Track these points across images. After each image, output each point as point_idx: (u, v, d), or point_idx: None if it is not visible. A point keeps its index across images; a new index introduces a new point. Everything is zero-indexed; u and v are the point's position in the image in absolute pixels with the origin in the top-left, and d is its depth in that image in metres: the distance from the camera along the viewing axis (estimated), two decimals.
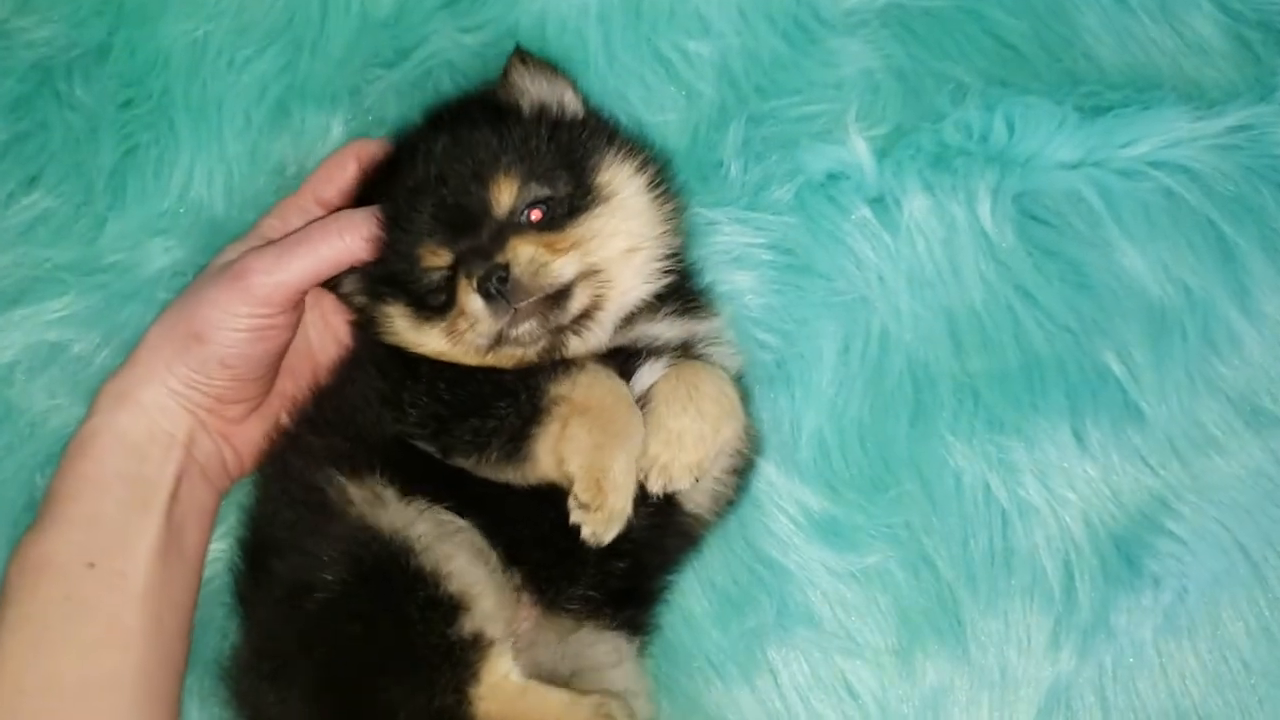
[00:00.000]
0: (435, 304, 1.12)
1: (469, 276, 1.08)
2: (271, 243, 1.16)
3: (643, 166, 1.17)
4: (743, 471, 1.20)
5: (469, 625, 1.02)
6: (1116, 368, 1.23)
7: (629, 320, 1.15)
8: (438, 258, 1.11)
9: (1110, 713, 1.21)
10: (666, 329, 1.16)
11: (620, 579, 1.14)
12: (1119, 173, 1.26)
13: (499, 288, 1.06)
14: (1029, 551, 1.22)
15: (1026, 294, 1.25)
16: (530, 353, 1.11)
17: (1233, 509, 1.22)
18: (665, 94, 1.33)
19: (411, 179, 1.13)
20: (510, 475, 1.09)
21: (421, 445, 1.10)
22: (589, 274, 1.11)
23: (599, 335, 1.13)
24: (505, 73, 1.19)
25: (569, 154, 1.14)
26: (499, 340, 1.09)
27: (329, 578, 1.04)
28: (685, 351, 1.16)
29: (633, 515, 1.06)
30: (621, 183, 1.15)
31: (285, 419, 1.20)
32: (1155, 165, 1.26)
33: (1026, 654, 1.21)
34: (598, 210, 1.13)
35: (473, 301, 1.07)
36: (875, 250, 1.27)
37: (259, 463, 1.21)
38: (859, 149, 1.28)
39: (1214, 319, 1.23)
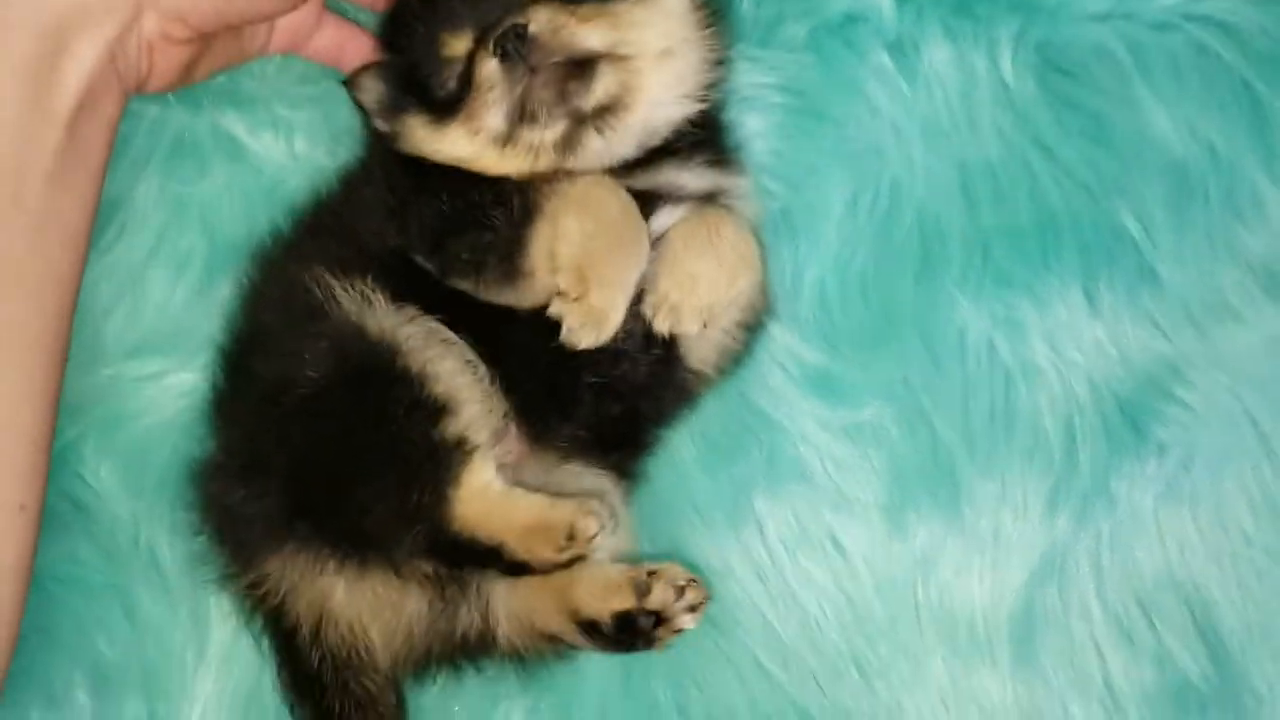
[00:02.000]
0: (453, 97, 1.07)
1: (486, 44, 1.02)
2: None
3: None
4: (751, 328, 1.16)
5: (452, 428, 1.01)
6: (1134, 228, 1.19)
7: (655, 161, 1.10)
8: (458, 43, 1.06)
9: (1104, 581, 1.19)
10: (694, 178, 1.12)
11: (613, 424, 1.12)
12: (1151, 25, 1.22)
13: (515, 44, 1.00)
14: (1031, 413, 1.19)
15: (1044, 148, 1.21)
16: (548, 140, 1.05)
17: (1246, 379, 1.19)
18: None
19: None
20: (510, 297, 1.07)
21: (422, 262, 1.08)
22: (616, 58, 1.05)
23: (624, 141, 1.07)
24: None
25: None
26: (519, 117, 1.03)
27: (311, 374, 1.02)
28: (708, 202, 1.12)
29: (636, 359, 1.05)
30: None
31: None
32: (1189, 18, 1.21)
33: (1022, 518, 1.19)
34: (629, 1, 1.07)
35: (486, 65, 1.02)
36: (891, 98, 1.23)
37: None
38: None
39: (1239, 183, 1.19)
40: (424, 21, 1.08)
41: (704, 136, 1.13)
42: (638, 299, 1.06)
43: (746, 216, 1.15)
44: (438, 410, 1.01)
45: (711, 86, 1.13)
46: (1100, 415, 1.19)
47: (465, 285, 1.08)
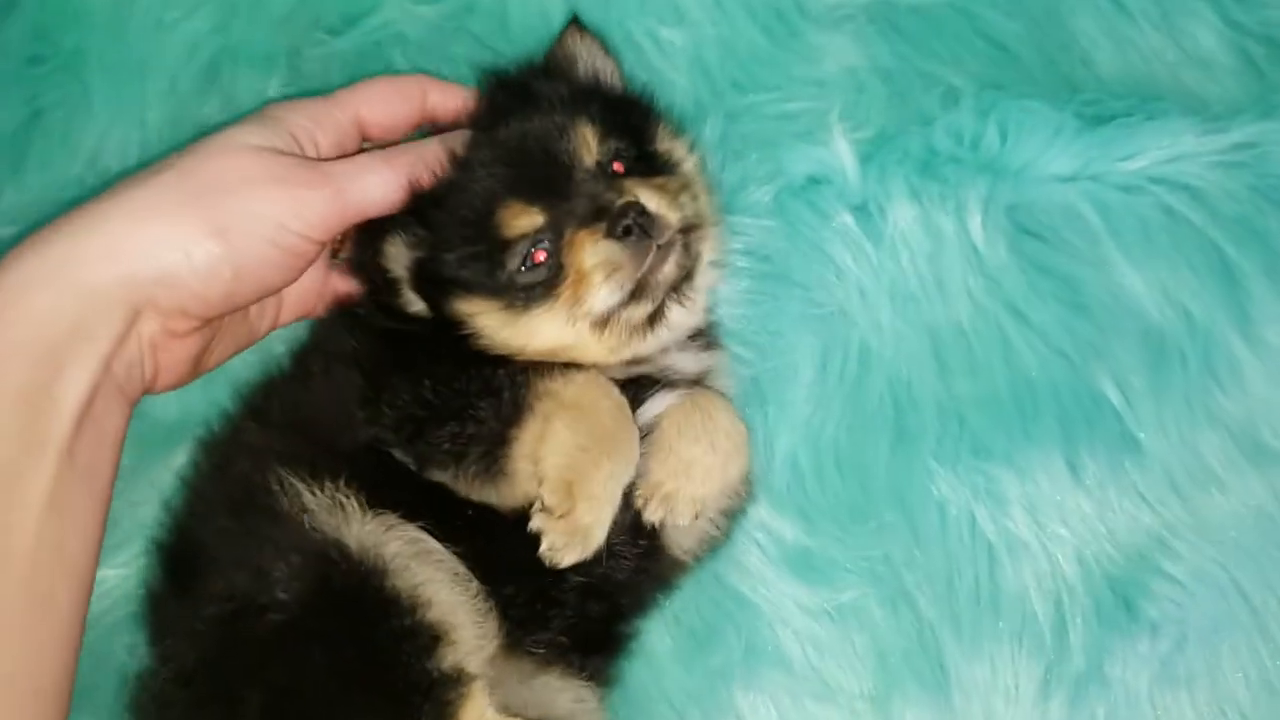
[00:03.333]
0: (532, 282, 1.01)
1: (588, 224, 1.00)
2: (365, 151, 1.05)
3: (692, 147, 1.13)
4: (734, 515, 1.11)
5: (449, 659, 0.92)
6: (1113, 395, 1.16)
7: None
8: (526, 218, 1.01)
9: None
10: (690, 361, 1.10)
11: (593, 624, 1.05)
12: (1118, 187, 1.20)
13: (640, 220, 0.98)
14: (1018, 591, 1.14)
15: (1017, 312, 1.18)
16: (639, 316, 1.03)
17: (1233, 550, 1.14)
18: (635, 83, 1.24)
19: (478, 135, 1.05)
20: (489, 494, 0.99)
21: (397, 455, 1.00)
22: (689, 227, 1.05)
23: (696, 307, 1.08)
24: (560, 40, 1.14)
25: (625, 121, 1.09)
26: (635, 293, 1.01)
27: (284, 597, 0.93)
28: (697, 383, 1.09)
29: (621, 554, 0.99)
30: (682, 154, 1.12)
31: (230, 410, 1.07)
32: (1156, 181, 1.20)
33: (1014, 703, 1.13)
34: (669, 170, 1.09)
35: (601, 251, 0.99)
36: (857, 260, 1.20)
37: (176, 381, 1.05)
38: (842, 151, 1.21)
39: (1215, 347, 1.17)
40: (474, 195, 1.02)
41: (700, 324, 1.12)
42: (627, 489, 1.00)
43: (730, 396, 1.11)
44: (433, 639, 0.92)
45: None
46: (1090, 592, 1.14)
47: (443, 477, 1.00)
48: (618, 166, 1.04)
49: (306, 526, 0.94)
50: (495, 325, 1.03)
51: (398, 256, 1.05)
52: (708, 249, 1.08)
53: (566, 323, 1.01)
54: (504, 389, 0.98)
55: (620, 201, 0.98)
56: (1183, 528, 1.14)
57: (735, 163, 1.22)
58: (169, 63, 1.21)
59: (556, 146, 1.02)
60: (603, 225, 0.98)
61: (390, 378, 1.00)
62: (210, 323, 1.03)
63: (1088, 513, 1.15)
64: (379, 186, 1.01)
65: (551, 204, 1.01)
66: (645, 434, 1.02)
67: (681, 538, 1.06)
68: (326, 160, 1.02)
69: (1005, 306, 1.18)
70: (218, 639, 0.94)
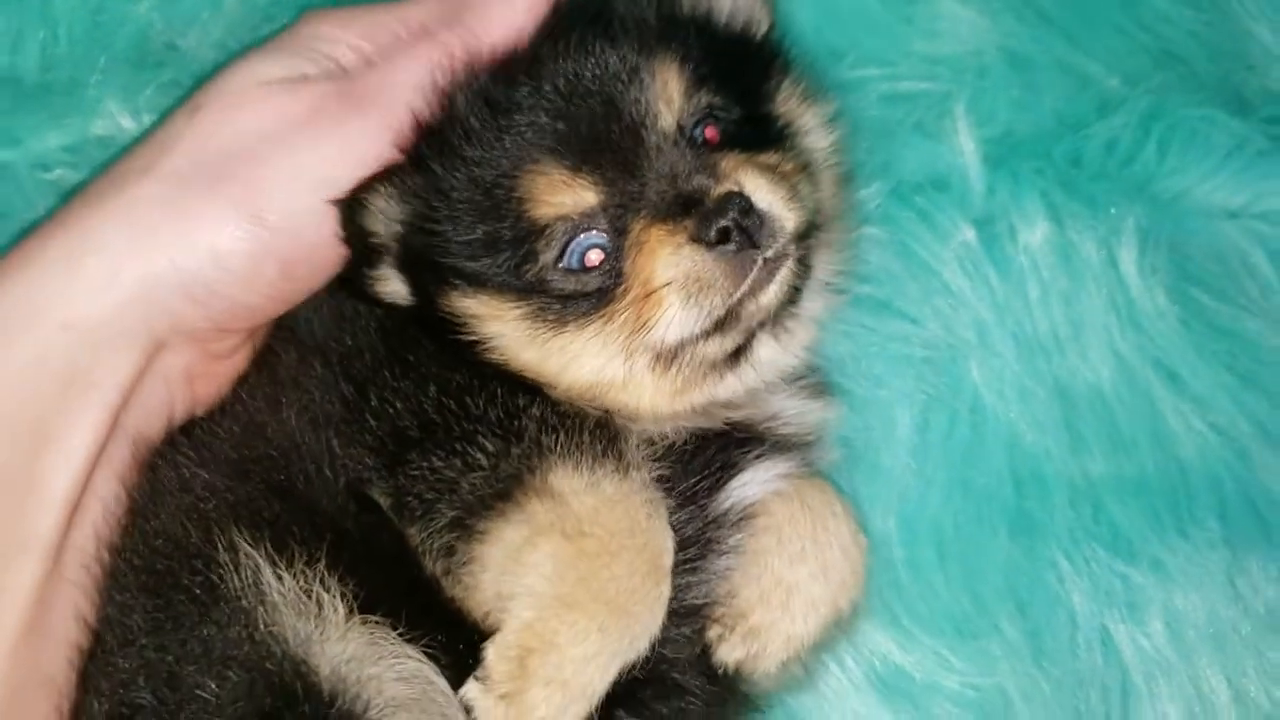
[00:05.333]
0: (575, 290, 0.74)
1: (669, 226, 0.71)
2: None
3: (831, 118, 0.86)
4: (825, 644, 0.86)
5: None
6: None
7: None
8: (568, 193, 0.73)
9: None
10: (798, 409, 0.84)
11: None
12: None
13: (744, 221, 0.70)
14: None
15: (1174, 377, 0.98)
16: (716, 354, 0.76)
17: None
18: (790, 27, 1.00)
19: (522, 60, 0.76)
20: (450, 583, 0.72)
21: (375, 493, 0.72)
22: (807, 231, 0.77)
23: (790, 347, 0.81)
24: None
25: (732, 69, 0.81)
26: (723, 322, 0.74)
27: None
28: (804, 450, 0.84)
29: (687, 697, 0.75)
30: (811, 123, 0.84)
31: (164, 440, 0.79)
32: None
33: None
34: (788, 145, 0.81)
35: (686, 260, 0.71)
36: (975, 290, 0.98)
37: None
38: (965, 150, 0.99)
39: None
40: (498, 150, 0.74)
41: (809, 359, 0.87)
42: (697, 609, 0.75)
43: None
44: None
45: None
46: None
47: (412, 530, 0.72)
48: (710, 133, 0.77)
49: (260, 625, 0.65)
50: (514, 340, 0.76)
51: (384, 215, 0.77)
52: (825, 262, 0.81)
53: (619, 354, 0.74)
54: (510, 442, 0.71)
55: (718, 190, 0.71)
56: None
57: None
58: None
59: (623, 94, 0.74)
60: (688, 223, 0.70)
61: (386, 375, 0.74)
62: (254, 333, 0.80)
63: (1249, 639, 0.94)
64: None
65: (610, 178, 0.73)
66: (734, 520, 0.77)
67: (763, 679, 0.81)
68: (364, 74, 0.76)
69: (1158, 369, 0.98)
70: None
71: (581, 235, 0.73)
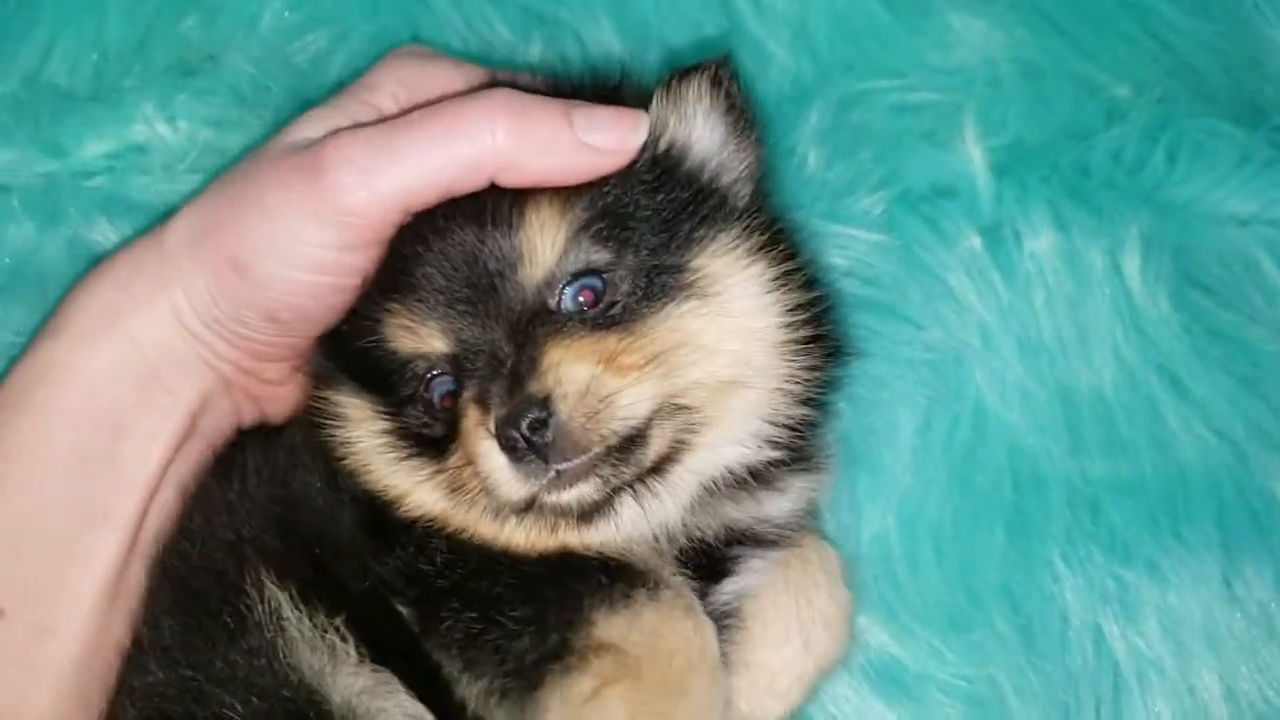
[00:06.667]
0: (422, 429, 0.76)
1: (481, 407, 0.70)
2: (364, 125, 0.77)
3: (783, 278, 0.78)
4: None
5: None
6: None
7: (724, 491, 0.79)
8: (419, 340, 0.74)
9: None
10: (778, 502, 0.82)
11: None
12: None
13: (533, 440, 0.68)
14: None
15: (1175, 382, 0.99)
16: (569, 507, 0.74)
17: None
18: (724, 48, 1.01)
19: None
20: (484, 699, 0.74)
21: (399, 604, 0.75)
22: (672, 408, 0.73)
23: (669, 507, 0.76)
24: (678, 83, 0.80)
25: (670, 215, 0.76)
26: (528, 506, 0.73)
27: None
28: (796, 526, 0.84)
29: None
30: (737, 279, 0.77)
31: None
32: None
33: None
34: (689, 305, 0.74)
35: (489, 455, 0.70)
36: (981, 296, 1.00)
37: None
38: (974, 159, 1.02)
39: None
40: (380, 268, 0.76)
41: (790, 453, 0.82)
42: None
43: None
44: None
45: (799, 426, 0.81)
46: None
47: (453, 670, 0.74)
48: (584, 296, 0.73)
49: (280, 657, 0.71)
50: (369, 451, 0.78)
51: (324, 349, 0.83)
52: (709, 436, 0.76)
53: (450, 500, 0.75)
54: (546, 605, 0.71)
55: (522, 392, 0.68)
56: None
57: (842, 161, 1.01)
58: None
59: (487, 239, 0.72)
60: (491, 420, 0.69)
61: (396, 528, 0.76)
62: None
63: (1243, 640, 0.95)
64: (418, 152, 0.72)
65: (458, 328, 0.73)
66: (719, 619, 0.78)
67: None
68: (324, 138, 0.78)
69: (1160, 372, 0.99)
70: None
71: (437, 378, 0.74)
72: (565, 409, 0.67)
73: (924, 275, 0.99)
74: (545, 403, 0.67)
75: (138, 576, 0.78)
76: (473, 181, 0.73)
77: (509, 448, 0.68)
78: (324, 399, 0.79)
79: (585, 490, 0.70)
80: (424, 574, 0.73)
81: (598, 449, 0.69)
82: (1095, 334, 0.99)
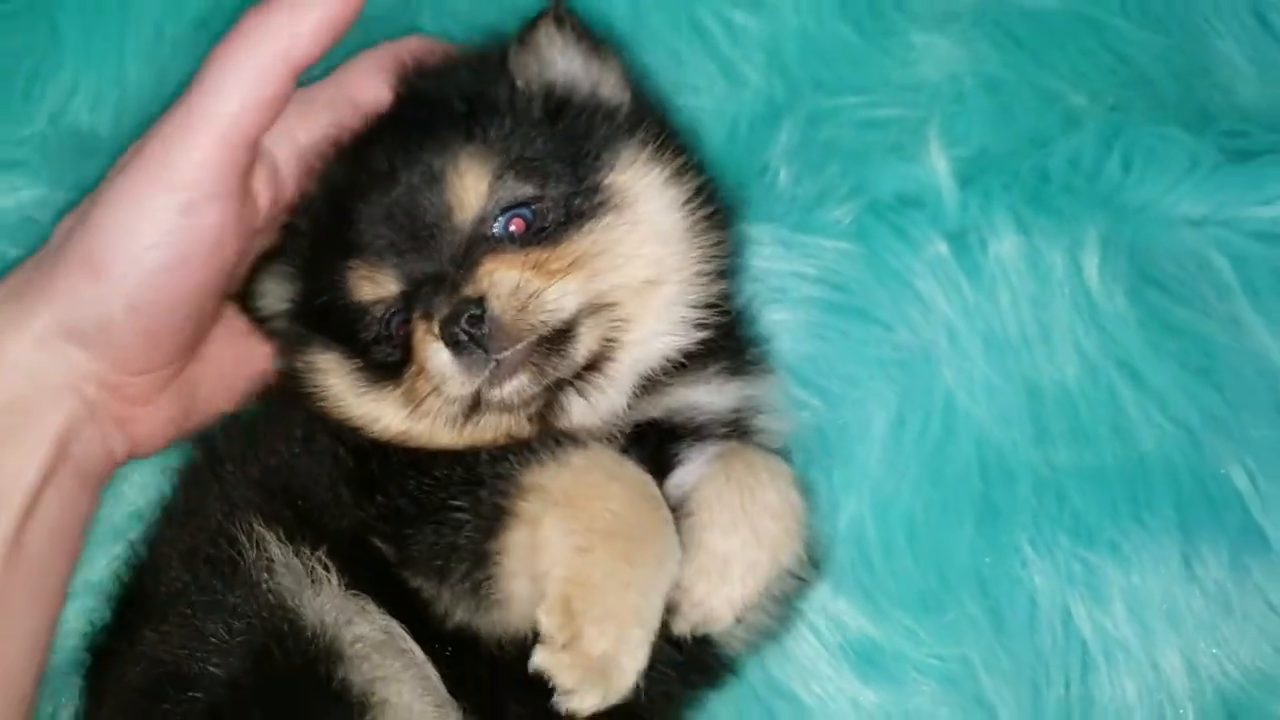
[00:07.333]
0: (384, 360, 0.86)
1: (428, 318, 0.81)
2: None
3: (679, 174, 0.90)
4: (793, 597, 0.93)
5: None
6: (1240, 480, 1.00)
7: (658, 383, 0.88)
8: (377, 286, 0.85)
9: None
10: (713, 395, 0.90)
11: None
12: (1255, 235, 1.05)
13: (471, 331, 0.79)
14: (1116, 705, 0.99)
15: (1134, 374, 1.03)
16: (520, 422, 0.84)
17: None
18: (701, 73, 1.11)
19: (340, 170, 0.87)
20: (487, 622, 0.81)
21: (379, 542, 0.83)
22: (597, 307, 0.84)
23: (613, 396, 0.86)
24: (528, 32, 0.91)
25: (573, 143, 0.88)
26: (476, 407, 0.83)
27: (214, 671, 0.77)
28: (735, 427, 0.91)
29: (658, 670, 0.79)
30: (643, 188, 0.88)
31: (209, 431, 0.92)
32: None
33: None
34: (606, 220, 0.86)
35: (436, 354, 0.81)
36: (948, 298, 1.05)
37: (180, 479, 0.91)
38: (938, 169, 1.06)
39: None
40: (329, 245, 0.86)
41: (719, 341, 0.91)
42: None
43: (772, 436, 0.94)
44: None
45: (719, 301, 0.91)
46: (1201, 712, 0.98)
47: (431, 591, 0.82)
48: (515, 225, 0.84)
49: (263, 586, 0.78)
50: (342, 392, 0.87)
51: (271, 293, 0.92)
52: (636, 322, 0.86)
53: (411, 416, 0.84)
54: (483, 484, 0.79)
55: (456, 298, 0.79)
56: None
57: (813, 175, 1.06)
58: (154, 7, 1.05)
59: (424, 194, 0.83)
60: (436, 323, 0.79)
61: (376, 460, 0.84)
62: (170, 371, 0.88)
63: (1203, 617, 0.99)
64: (235, 67, 0.79)
65: (408, 271, 0.83)
66: (677, 513, 0.84)
67: (729, 639, 0.89)
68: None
69: (1119, 366, 1.03)
70: (131, 712, 0.79)
71: (394, 315, 0.84)
72: (498, 305, 0.78)
73: (893, 280, 1.04)
74: (480, 301, 0.78)
75: (20, 603, 0.81)
76: (287, 83, 0.81)
77: (452, 342, 0.78)
78: (299, 359, 0.89)
79: (523, 382, 0.80)
80: (399, 509, 0.80)
81: (530, 339, 0.79)
82: (1057, 331, 1.03)
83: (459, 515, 0.78)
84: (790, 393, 1.02)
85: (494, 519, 0.77)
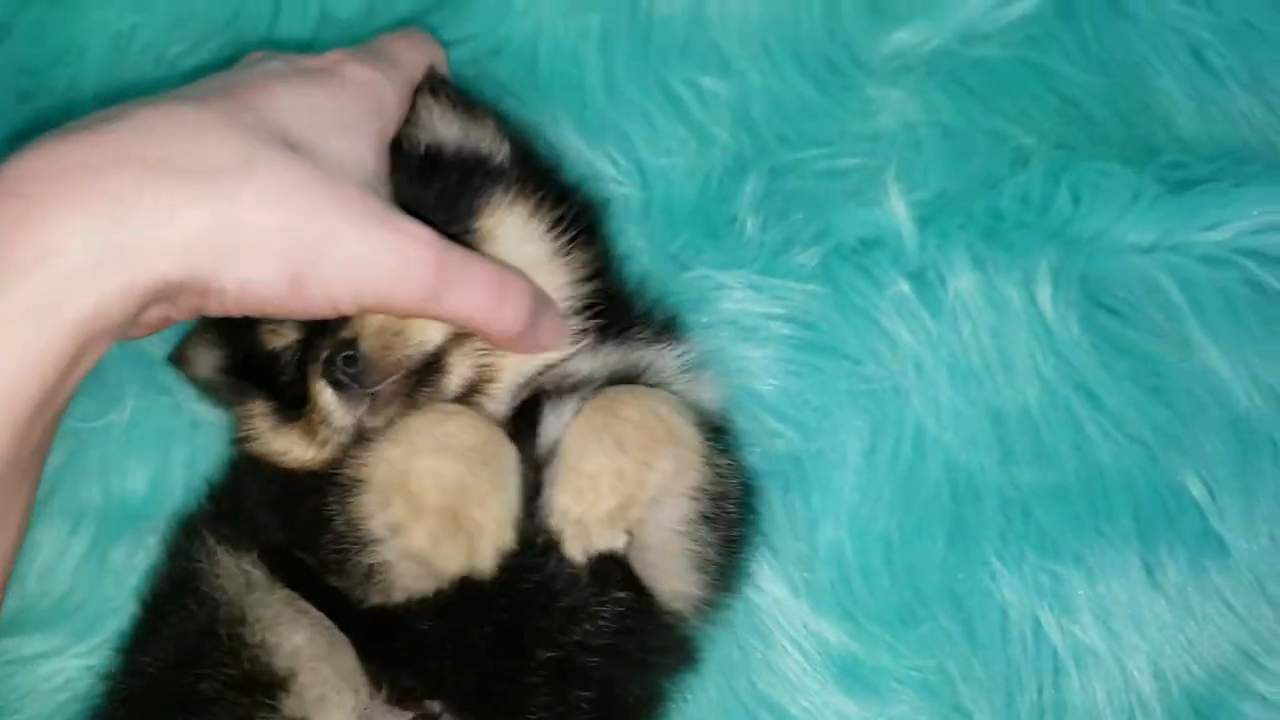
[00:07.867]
0: (295, 397, 0.94)
1: (314, 360, 0.90)
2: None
3: (540, 206, 0.97)
4: (724, 521, 0.93)
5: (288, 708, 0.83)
6: (1195, 489, 1.06)
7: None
8: (281, 336, 0.95)
9: None
10: (588, 362, 0.97)
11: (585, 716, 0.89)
12: (1201, 259, 1.11)
13: (348, 370, 0.87)
14: (1086, 708, 1.04)
15: (1090, 395, 1.08)
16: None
17: None
18: (672, 135, 1.18)
19: None
20: (391, 600, 0.88)
21: (303, 555, 0.91)
22: (464, 337, 0.91)
23: (496, 408, 0.94)
24: (412, 107, 0.97)
25: (449, 196, 0.94)
26: (361, 434, 0.91)
27: (146, 660, 0.90)
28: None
29: (593, 614, 0.87)
30: (506, 228, 0.95)
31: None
32: (1243, 253, 1.10)
33: None
34: None
35: (322, 392, 0.90)
36: (912, 332, 1.10)
37: None
38: (898, 213, 1.13)
39: None
40: None
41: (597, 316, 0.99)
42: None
43: (690, 397, 0.98)
44: (270, 686, 0.83)
45: (596, 300, 0.98)
46: (1169, 712, 1.03)
47: (344, 586, 0.89)
48: None
49: (211, 580, 0.89)
50: (264, 432, 0.96)
51: (202, 361, 1.00)
52: (512, 358, 0.93)
53: (312, 448, 0.93)
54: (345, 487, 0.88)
55: (333, 341, 0.88)
56: (1274, 639, 1.03)
57: (778, 222, 1.13)
58: None
59: None
60: (319, 365, 0.89)
61: (289, 487, 0.93)
62: None
63: (1166, 620, 1.04)
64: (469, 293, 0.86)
65: (304, 321, 0.92)
66: (549, 455, 0.91)
67: (659, 572, 0.91)
68: None
69: (1076, 388, 1.08)
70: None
71: (296, 358, 0.93)
72: (365, 345, 0.86)
73: (859, 318, 1.10)
74: (353, 342, 0.86)
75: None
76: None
77: (333, 382, 0.87)
78: (235, 408, 0.99)
79: (397, 410, 0.88)
80: (314, 531, 0.87)
81: (401, 372, 0.87)
82: (1017, 358, 1.08)
83: (330, 509, 0.86)
84: (769, 425, 1.08)
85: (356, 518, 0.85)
